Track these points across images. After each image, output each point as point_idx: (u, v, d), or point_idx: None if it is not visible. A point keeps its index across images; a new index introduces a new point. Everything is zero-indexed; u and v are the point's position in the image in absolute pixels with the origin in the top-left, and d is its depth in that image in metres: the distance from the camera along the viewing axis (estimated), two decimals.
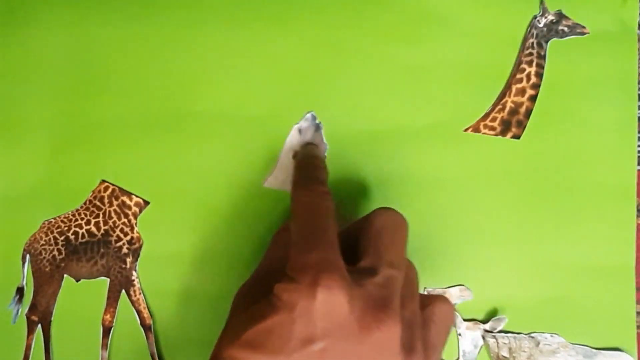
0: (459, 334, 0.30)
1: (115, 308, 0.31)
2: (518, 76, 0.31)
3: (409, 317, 0.22)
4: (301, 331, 0.20)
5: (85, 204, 0.31)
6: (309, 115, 0.30)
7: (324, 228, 0.23)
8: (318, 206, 0.24)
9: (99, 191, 0.31)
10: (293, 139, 0.30)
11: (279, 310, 0.20)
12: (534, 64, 0.31)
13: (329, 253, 0.22)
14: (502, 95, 0.31)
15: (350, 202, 0.31)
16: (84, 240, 0.31)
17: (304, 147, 0.30)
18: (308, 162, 0.28)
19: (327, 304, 0.20)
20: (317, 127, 0.30)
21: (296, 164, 0.29)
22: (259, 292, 0.23)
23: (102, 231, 0.31)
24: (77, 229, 0.31)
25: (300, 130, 0.30)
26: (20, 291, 0.31)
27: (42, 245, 0.31)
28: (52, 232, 0.31)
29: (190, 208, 0.31)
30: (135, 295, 0.31)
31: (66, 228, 0.31)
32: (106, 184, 0.31)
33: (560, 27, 0.31)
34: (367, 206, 0.31)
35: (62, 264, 0.31)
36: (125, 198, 0.31)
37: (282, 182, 0.30)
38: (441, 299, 0.24)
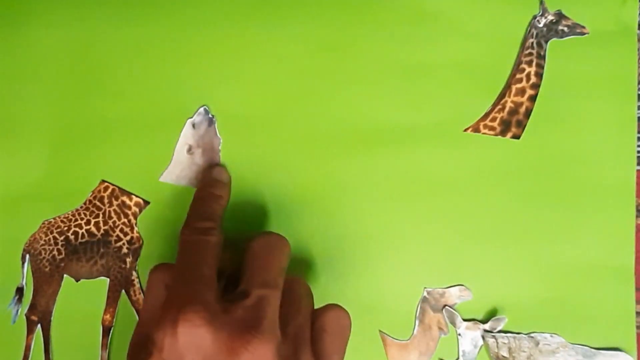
0: (459, 334, 0.30)
1: (115, 308, 0.31)
2: (518, 76, 0.31)
3: (293, 332, 0.23)
4: None
5: (85, 204, 0.31)
6: (201, 109, 0.30)
7: (195, 265, 0.24)
8: (195, 244, 0.26)
9: (99, 191, 0.31)
10: (187, 133, 0.31)
11: (151, 355, 0.21)
12: (534, 64, 0.31)
13: (195, 288, 0.23)
14: (502, 95, 0.31)
15: (350, 202, 0.31)
16: (83, 240, 0.31)
17: (207, 170, 0.30)
18: (204, 193, 0.29)
19: (190, 336, 0.21)
20: (211, 121, 0.30)
21: (194, 195, 0.29)
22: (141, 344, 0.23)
23: (102, 231, 0.31)
24: (77, 229, 0.31)
25: (194, 125, 0.30)
26: (20, 291, 0.31)
27: (42, 245, 0.31)
28: (52, 232, 0.31)
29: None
30: (135, 295, 0.31)
31: (66, 228, 0.31)
32: (106, 184, 0.31)
33: (560, 27, 0.31)
34: (366, 206, 0.31)
35: (62, 264, 0.31)
36: (125, 198, 0.31)
37: (176, 177, 0.30)
38: (332, 307, 0.25)
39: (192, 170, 0.31)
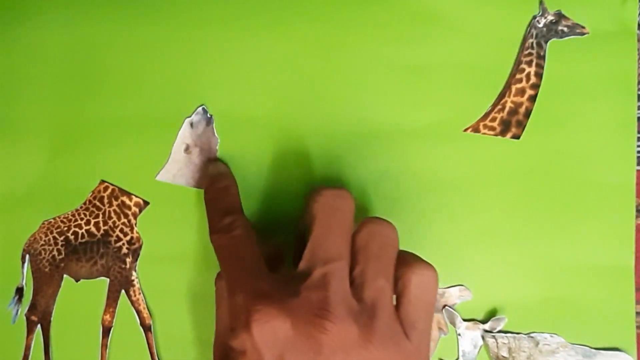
0: (459, 334, 0.30)
1: (115, 308, 0.31)
2: (518, 76, 0.31)
3: (371, 297, 0.22)
4: None
5: (85, 204, 0.31)
6: (200, 108, 0.30)
7: (237, 265, 0.24)
8: (227, 246, 0.25)
9: (99, 191, 0.31)
10: (185, 132, 0.30)
11: None
12: (534, 64, 0.31)
13: (251, 284, 0.22)
14: (502, 95, 0.31)
15: None
16: (83, 240, 0.31)
17: (208, 169, 0.30)
18: (211, 192, 0.28)
19: (267, 334, 0.20)
20: (209, 121, 0.30)
21: (205, 199, 0.28)
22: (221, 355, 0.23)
23: (101, 231, 0.31)
24: (76, 229, 0.31)
25: (192, 124, 0.30)
26: (19, 291, 0.31)
27: (42, 245, 0.31)
28: (51, 232, 0.31)
29: (190, 208, 0.31)
30: (135, 295, 0.31)
31: (66, 228, 0.31)
32: (106, 184, 0.31)
33: (560, 27, 0.31)
34: (366, 206, 0.31)
35: (62, 264, 0.31)
36: (125, 198, 0.31)
37: (173, 176, 0.30)
38: (415, 263, 0.23)
39: (189, 169, 0.31)
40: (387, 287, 0.23)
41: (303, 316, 0.21)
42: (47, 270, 0.31)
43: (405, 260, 0.24)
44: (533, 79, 0.31)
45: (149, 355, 0.31)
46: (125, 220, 0.31)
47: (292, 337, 0.20)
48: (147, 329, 0.31)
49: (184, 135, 0.31)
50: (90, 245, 0.31)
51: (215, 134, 0.31)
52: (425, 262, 0.24)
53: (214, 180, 0.29)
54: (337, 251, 0.23)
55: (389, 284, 0.23)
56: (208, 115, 0.30)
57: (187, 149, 0.30)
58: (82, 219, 0.31)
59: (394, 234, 0.24)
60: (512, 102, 0.31)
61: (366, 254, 0.23)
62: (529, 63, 0.31)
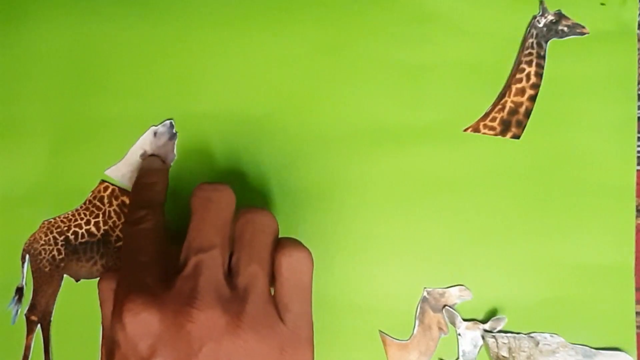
0: (459, 334, 0.30)
1: None
2: (518, 76, 0.31)
3: (244, 283, 0.22)
4: (134, 357, 0.21)
5: (85, 204, 0.31)
6: (167, 122, 0.31)
7: (131, 256, 0.24)
8: (129, 236, 0.25)
9: (99, 191, 0.31)
10: (146, 139, 0.31)
11: (114, 355, 0.21)
12: (534, 64, 0.31)
13: (133, 277, 0.23)
14: (502, 95, 0.31)
15: (350, 202, 0.31)
16: (83, 240, 0.31)
17: (144, 161, 0.30)
18: (136, 184, 0.29)
19: (136, 324, 0.21)
20: (172, 136, 0.31)
21: (131, 190, 0.29)
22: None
23: (102, 231, 0.31)
24: (76, 229, 0.31)
25: (155, 133, 0.31)
26: (19, 291, 0.31)
27: (42, 245, 0.31)
28: (51, 232, 0.31)
29: (187, 209, 0.31)
30: None
31: (66, 228, 0.31)
32: (106, 183, 0.31)
33: (560, 27, 0.31)
34: (366, 206, 0.31)
35: (62, 264, 0.31)
36: (125, 198, 0.31)
37: (121, 176, 0.31)
38: (287, 244, 0.23)
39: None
40: (260, 272, 0.23)
41: (172, 306, 0.21)
42: (47, 270, 0.31)
43: (280, 245, 0.24)
44: (533, 79, 0.31)
45: None
46: None
47: (163, 327, 0.21)
48: None
49: (145, 141, 0.31)
50: (91, 245, 0.31)
51: (174, 152, 0.31)
52: (298, 243, 0.24)
53: (143, 174, 0.29)
54: (208, 241, 0.23)
55: (262, 270, 0.23)
56: (173, 130, 0.31)
57: (143, 155, 0.30)
58: (82, 219, 0.31)
59: (269, 220, 0.24)
60: (512, 102, 0.31)
61: (241, 242, 0.24)
62: (529, 63, 0.31)
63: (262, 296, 0.22)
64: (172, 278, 0.22)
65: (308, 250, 0.24)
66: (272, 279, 0.24)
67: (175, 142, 0.31)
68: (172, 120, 0.31)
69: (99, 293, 0.25)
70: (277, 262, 0.23)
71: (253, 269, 0.23)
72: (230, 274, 0.23)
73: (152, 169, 0.29)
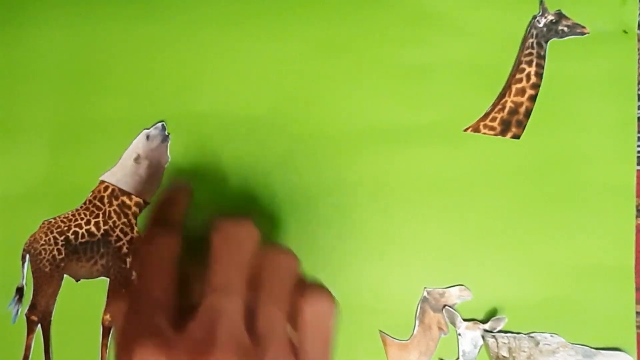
0: (459, 334, 0.30)
1: None
2: (518, 76, 0.31)
3: (263, 328, 0.21)
4: None
5: (85, 204, 0.31)
6: (159, 124, 0.31)
7: (147, 288, 0.23)
8: (148, 256, 0.24)
9: (99, 191, 0.31)
10: (139, 142, 0.31)
11: None
12: (534, 64, 0.31)
13: (145, 315, 0.22)
14: (502, 95, 0.31)
15: (350, 202, 0.31)
16: (83, 240, 0.31)
17: (170, 181, 0.30)
18: (160, 200, 0.27)
19: None
20: (165, 138, 0.31)
21: (154, 204, 0.28)
22: None
23: (102, 231, 0.31)
24: (77, 229, 0.31)
25: (148, 137, 0.31)
26: (20, 291, 0.31)
27: (42, 245, 0.31)
28: (52, 232, 0.31)
29: (190, 209, 0.31)
30: None
31: (66, 228, 0.31)
32: (106, 183, 0.31)
33: (560, 27, 0.31)
34: (366, 206, 0.31)
35: (62, 264, 0.31)
36: (125, 198, 0.31)
37: (116, 180, 0.31)
38: (308, 296, 0.22)
39: (133, 179, 0.31)
40: (279, 316, 0.22)
41: (186, 354, 0.20)
42: (47, 270, 0.31)
43: (304, 289, 0.23)
44: (533, 79, 0.31)
45: None
46: (126, 220, 0.31)
47: None
48: None
49: (138, 145, 0.31)
50: (91, 245, 0.31)
51: (168, 154, 0.31)
52: (322, 289, 0.23)
53: (166, 192, 0.28)
54: (229, 282, 0.22)
55: (281, 312, 0.22)
56: (165, 132, 0.31)
57: (137, 159, 0.30)
58: (82, 219, 0.31)
59: (290, 261, 0.24)
60: (512, 101, 0.31)
61: (260, 284, 0.23)
62: (529, 63, 0.31)
63: (281, 344, 0.21)
64: (186, 315, 0.21)
65: (332, 295, 0.23)
66: (292, 319, 0.23)
67: (168, 144, 0.31)
68: (163, 123, 0.31)
69: (113, 321, 0.24)
70: (300, 308, 0.22)
71: (272, 313, 0.22)
72: (248, 316, 0.22)
73: (175, 188, 0.29)
